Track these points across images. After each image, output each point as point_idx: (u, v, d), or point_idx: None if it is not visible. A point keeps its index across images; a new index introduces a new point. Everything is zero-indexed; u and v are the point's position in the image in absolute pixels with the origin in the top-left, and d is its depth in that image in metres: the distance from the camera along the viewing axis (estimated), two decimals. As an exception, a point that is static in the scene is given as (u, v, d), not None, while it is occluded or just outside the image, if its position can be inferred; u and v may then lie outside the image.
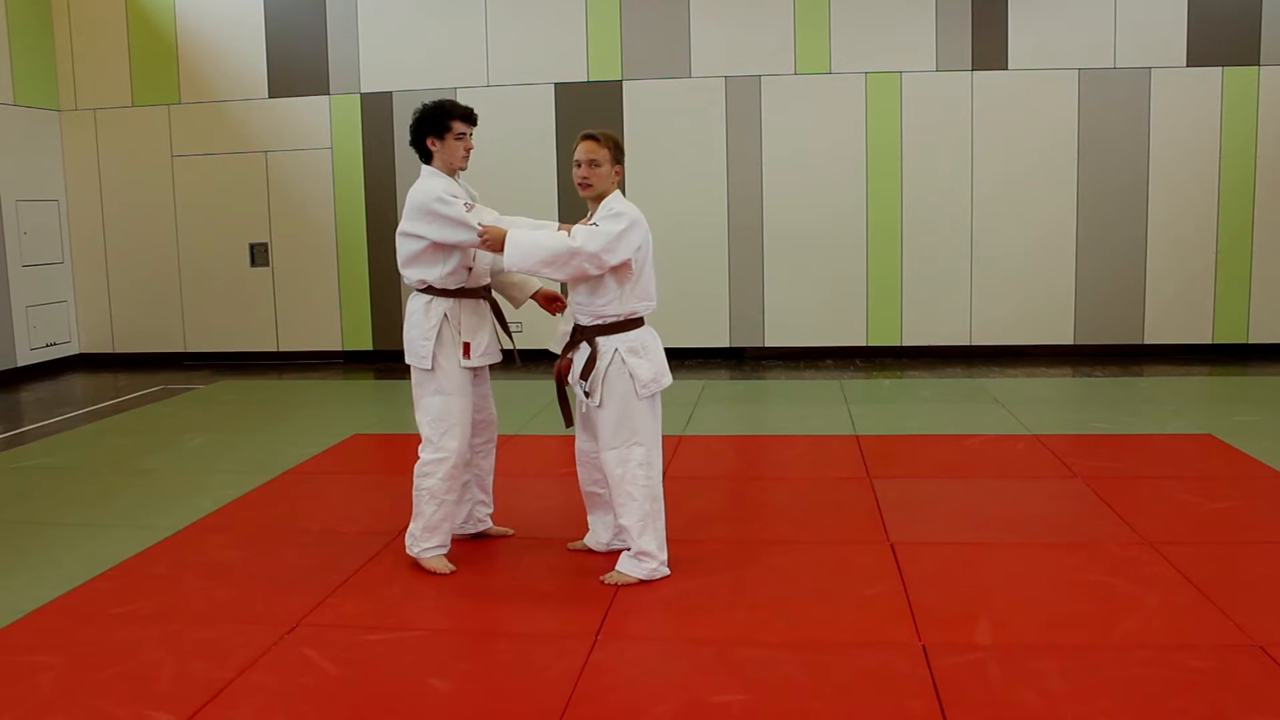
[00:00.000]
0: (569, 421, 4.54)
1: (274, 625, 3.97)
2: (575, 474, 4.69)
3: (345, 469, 6.54)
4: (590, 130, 4.41)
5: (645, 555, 4.34)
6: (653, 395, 4.33)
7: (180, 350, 11.24)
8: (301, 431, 7.54)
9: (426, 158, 4.55)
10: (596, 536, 4.71)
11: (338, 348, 11.01)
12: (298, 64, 10.69)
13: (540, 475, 6.19)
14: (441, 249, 4.41)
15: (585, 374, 4.33)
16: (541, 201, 10.27)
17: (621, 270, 4.22)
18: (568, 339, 4.46)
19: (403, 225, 4.46)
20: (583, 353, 4.36)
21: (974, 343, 10.39)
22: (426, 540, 4.53)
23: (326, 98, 10.68)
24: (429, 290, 4.49)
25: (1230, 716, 3.19)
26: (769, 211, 10.28)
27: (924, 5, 10.07)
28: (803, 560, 4.62)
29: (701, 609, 4.12)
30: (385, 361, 10.77)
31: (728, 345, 10.54)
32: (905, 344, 10.44)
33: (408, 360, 4.57)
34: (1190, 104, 9.98)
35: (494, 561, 4.69)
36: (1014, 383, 9.03)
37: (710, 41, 10.23)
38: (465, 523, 4.85)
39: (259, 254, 10.94)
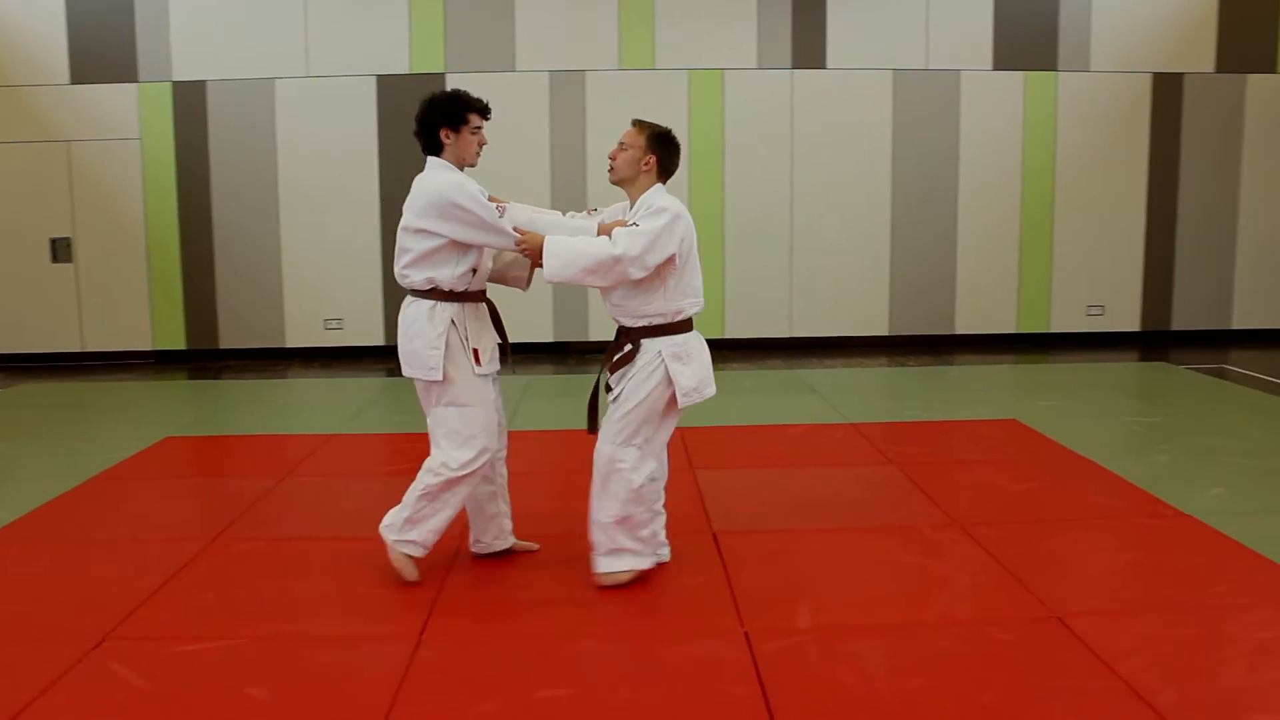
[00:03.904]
0: (593, 429, 4.30)
1: (77, 641, 3.75)
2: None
3: (156, 474, 6.24)
4: (641, 118, 4.26)
5: (621, 551, 4.20)
6: (690, 404, 4.17)
7: (-26, 352, 10.55)
8: (109, 435, 7.16)
9: (435, 150, 4.25)
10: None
11: (148, 347, 10.51)
12: (103, 48, 10.13)
13: (363, 475, 6.06)
14: (459, 247, 4.12)
15: (617, 368, 4.17)
16: (361, 201, 10.08)
17: (665, 266, 4.05)
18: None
19: (413, 221, 4.11)
20: (625, 352, 4.19)
21: (794, 334, 10.66)
22: (406, 532, 4.25)
23: (135, 85, 10.16)
24: (433, 294, 4.17)
25: (1032, 683, 3.38)
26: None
27: (746, 3, 10.27)
28: (630, 552, 4.65)
29: (526, 605, 4.12)
30: (200, 361, 10.36)
31: (551, 340, 10.51)
32: (727, 336, 10.61)
33: (410, 373, 4.23)
34: (996, 105, 10.49)
35: (312, 567, 4.56)
36: (832, 373, 9.32)
37: (535, 35, 10.19)
38: (496, 539, 4.56)
39: (61, 249, 10.34)
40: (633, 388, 4.13)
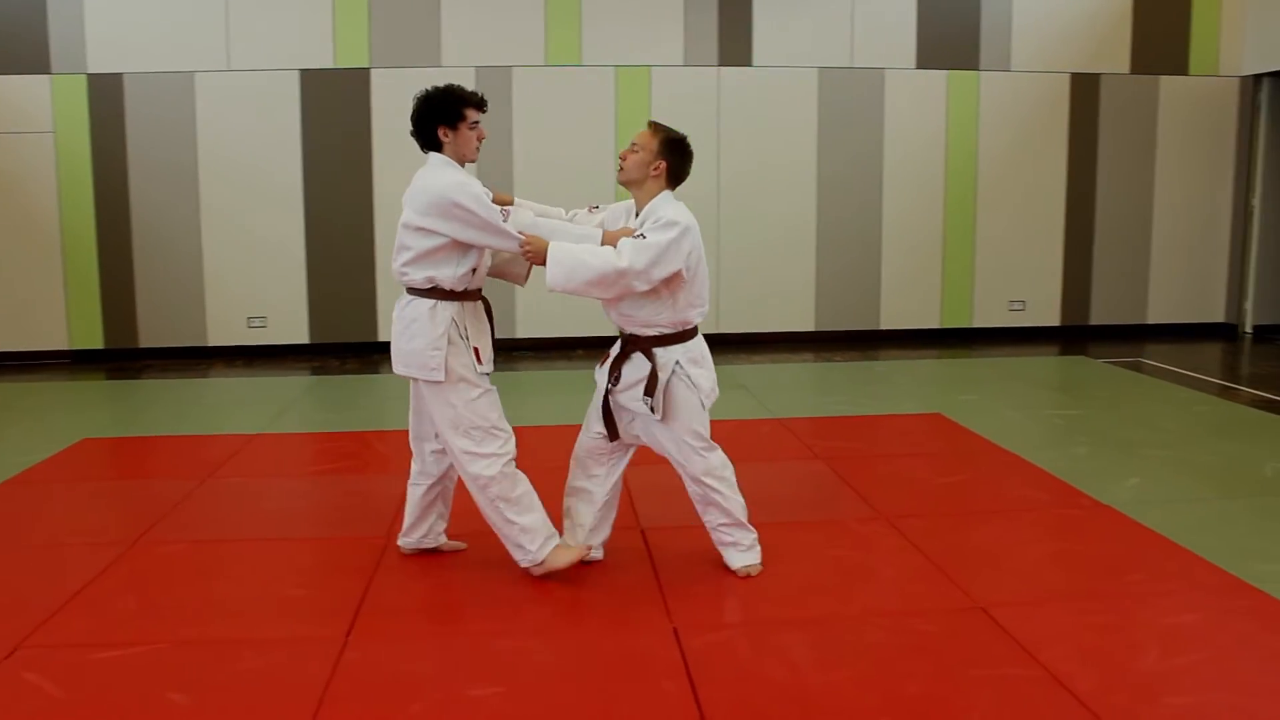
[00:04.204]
0: (614, 435, 4.25)
1: (-11, 649, 3.66)
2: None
3: (72, 477, 6.08)
4: (657, 120, 4.23)
5: (751, 538, 4.31)
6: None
7: (-121, 352, 10.20)
8: (23, 438, 6.97)
9: (434, 148, 4.18)
10: (574, 538, 4.41)
11: (64, 347, 10.25)
12: (12, 37, 9.82)
13: (288, 474, 5.97)
14: (461, 246, 4.03)
15: (650, 390, 4.05)
16: (285, 198, 9.92)
17: (673, 280, 4.00)
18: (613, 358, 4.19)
19: (412, 219, 4.01)
20: (636, 365, 4.11)
21: (720, 330, 10.69)
22: (532, 543, 4.15)
23: (48, 77, 9.89)
24: (433, 293, 4.07)
25: (955, 672, 3.44)
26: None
27: (672, 1, 10.28)
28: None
29: (454, 604, 4.10)
30: (118, 360, 10.12)
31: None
32: (659, 333, 10.61)
33: (406, 373, 4.11)
34: (919, 104, 10.63)
35: (236, 569, 4.49)
36: (759, 369, 9.38)
37: (461, 30, 10.09)
38: (424, 537, 4.50)
39: (-30, 246, 10.05)
40: (679, 406, 4.10)
